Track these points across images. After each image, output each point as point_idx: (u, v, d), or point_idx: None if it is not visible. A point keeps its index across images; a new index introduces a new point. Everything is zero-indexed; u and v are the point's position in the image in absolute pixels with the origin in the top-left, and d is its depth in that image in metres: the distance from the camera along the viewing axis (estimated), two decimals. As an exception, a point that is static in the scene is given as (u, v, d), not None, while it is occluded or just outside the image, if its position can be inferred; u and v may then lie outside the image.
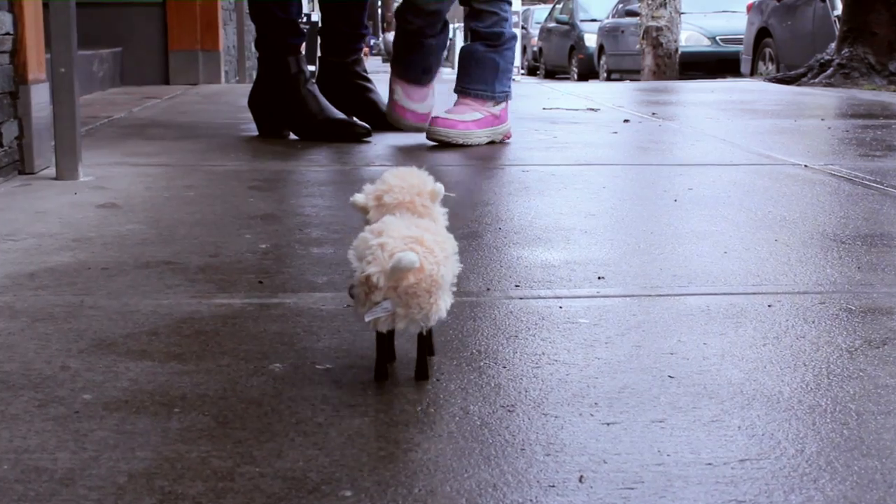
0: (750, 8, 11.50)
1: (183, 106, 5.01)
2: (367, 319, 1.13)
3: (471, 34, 3.43)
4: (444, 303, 1.15)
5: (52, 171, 2.70)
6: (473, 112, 3.35)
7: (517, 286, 1.62)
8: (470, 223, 1.98)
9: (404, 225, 1.14)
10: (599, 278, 1.66)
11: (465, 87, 3.43)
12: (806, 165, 2.94)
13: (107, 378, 1.19)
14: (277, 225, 2.09)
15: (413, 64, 3.56)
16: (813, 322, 1.42)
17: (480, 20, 3.37)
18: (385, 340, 1.19)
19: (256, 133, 3.72)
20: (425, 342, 1.19)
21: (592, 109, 4.80)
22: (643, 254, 1.83)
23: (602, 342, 1.33)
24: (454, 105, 3.43)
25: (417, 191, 1.22)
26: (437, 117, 3.38)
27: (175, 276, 1.66)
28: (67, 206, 2.28)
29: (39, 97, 2.74)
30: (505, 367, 1.23)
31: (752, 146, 3.39)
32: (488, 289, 1.59)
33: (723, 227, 2.07)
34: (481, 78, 3.38)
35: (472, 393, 1.15)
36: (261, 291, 1.58)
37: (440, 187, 1.25)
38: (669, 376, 1.20)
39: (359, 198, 1.24)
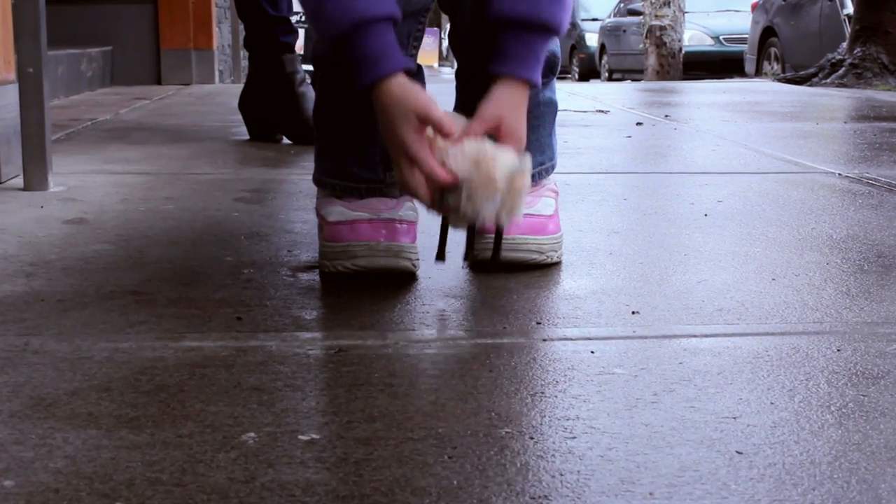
0: (754, 7, 11.29)
1: (173, 107, 4.78)
2: (482, 215, 1.43)
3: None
4: None
5: (20, 180, 2.47)
6: (544, 197, 1.74)
7: (538, 323, 1.38)
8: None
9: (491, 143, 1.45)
10: (634, 313, 1.42)
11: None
12: (840, 174, 2.71)
13: (38, 454, 0.96)
14: (263, 244, 1.86)
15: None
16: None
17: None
18: (471, 230, 1.56)
19: (247, 137, 3.49)
20: (502, 231, 1.57)
21: (602, 111, 4.57)
22: (680, 281, 1.60)
23: (647, 401, 1.10)
24: None
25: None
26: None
27: (140, 311, 1.43)
28: (31, 221, 2.05)
29: (7, 99, 2.50)
30: (532, 438, 1.00)
31: (776, 151, 3.16)
32: (505, 328, 1.36)
33: (764, 247, 1.83)
34: (538, 143, 1.71)
35: (493, 477, 0.91)
36: (238, 330, 1.34)
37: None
38: (737, 451, 0.96)
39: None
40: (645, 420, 1.04)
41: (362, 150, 1.63)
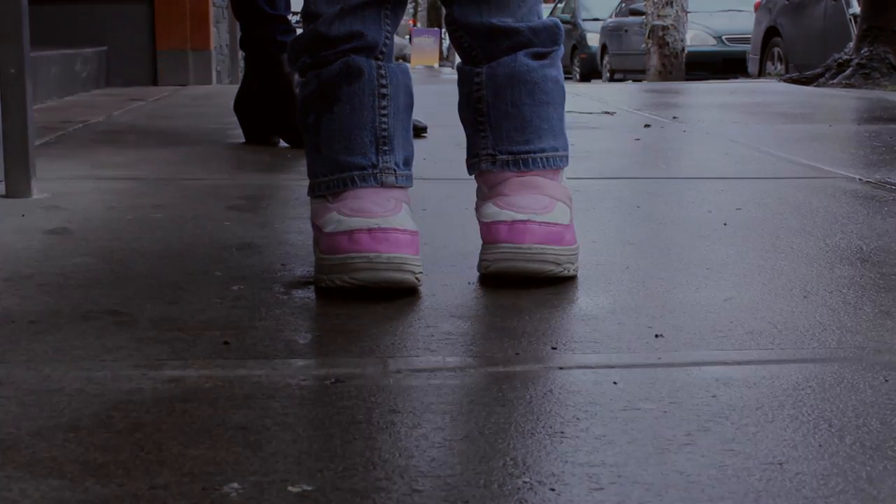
0: (757, 6, 11.17)
1: (168, 109, 4.66)
2: None
3: (486, 41, 1.59)
4: None
5: (2, 187, 2.35)
6: (559, 202, 1.58)
7: (554, 349, 1.26)
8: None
9: None
10: (657, 336, 1.30)
11: (529, 153, 1.58)
12: (861, 179, 2.59)
13: (-10, 511, 0.84)
14: (256, 257, 1.74)
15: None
16: (954, 408, 1.07)
17: (507, 11, 1.58)
18: None
19: (243, 140, 3.37)
20: None
21: (608, 113, 4.45)
22: (704, 299, 1.48)
23: (680, 443, 0.98)
24: (504, 189, 1.58)
25: None
26: (516, 222, 1.52)
27: (119, 334, 1.31)
28: (10, 231, 1.93)
29: (-11, 102, 2.38)
30: (553, 490, 0.88)
31: (792, 155, 3.04)
32: (517, 353, 1.24)
33: (791, 260, 1.71)
34: (550, 125, 1.60)
35: (511, 539, 0.79)
36: (225, 357, 1.23)
37: None
38: (788, 507, 0.84)
39: None
40: (679, 467, 0.92)
41: (350, 133, 1.54)
